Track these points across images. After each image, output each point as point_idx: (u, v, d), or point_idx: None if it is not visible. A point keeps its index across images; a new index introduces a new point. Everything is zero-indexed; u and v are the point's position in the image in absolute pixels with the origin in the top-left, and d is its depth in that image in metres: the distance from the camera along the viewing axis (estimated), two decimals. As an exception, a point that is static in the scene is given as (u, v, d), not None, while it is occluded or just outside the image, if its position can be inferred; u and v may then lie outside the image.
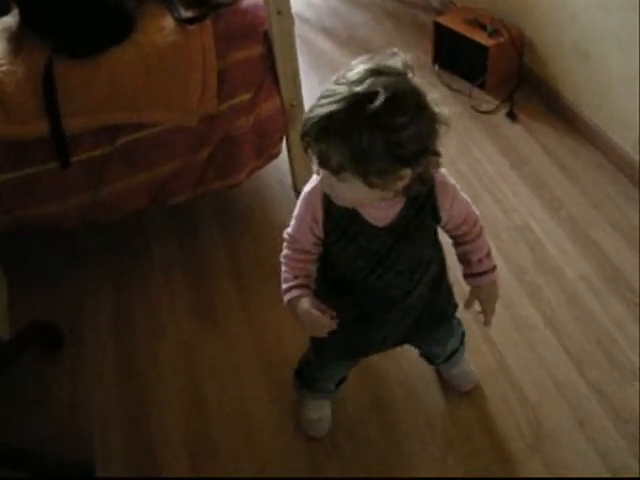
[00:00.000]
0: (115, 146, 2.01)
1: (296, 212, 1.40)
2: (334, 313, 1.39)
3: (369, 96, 1.07)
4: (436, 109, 1.16)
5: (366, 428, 1.90)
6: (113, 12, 1.99)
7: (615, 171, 2.60)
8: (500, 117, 2.93)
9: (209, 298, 2.28)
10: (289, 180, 2.59)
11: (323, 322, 1.38)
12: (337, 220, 1.32)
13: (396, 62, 1.15)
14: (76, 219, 2.15)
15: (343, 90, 1.09)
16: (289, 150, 2.44)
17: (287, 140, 2.38)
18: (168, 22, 2.05)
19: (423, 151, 1.15)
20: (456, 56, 3.12)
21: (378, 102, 1.06)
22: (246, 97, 2.13)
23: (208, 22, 2.03)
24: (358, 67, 1.13)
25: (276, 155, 2.35)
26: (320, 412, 1.88)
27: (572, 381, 1.96)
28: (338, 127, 1.08)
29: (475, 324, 2.10)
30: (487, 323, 1.59)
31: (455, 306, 1.67)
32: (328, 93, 1.11)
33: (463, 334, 1.87)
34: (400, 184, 1.18)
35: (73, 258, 2.44)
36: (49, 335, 2.14)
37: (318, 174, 1.22)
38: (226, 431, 1.93)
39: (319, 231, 1.36)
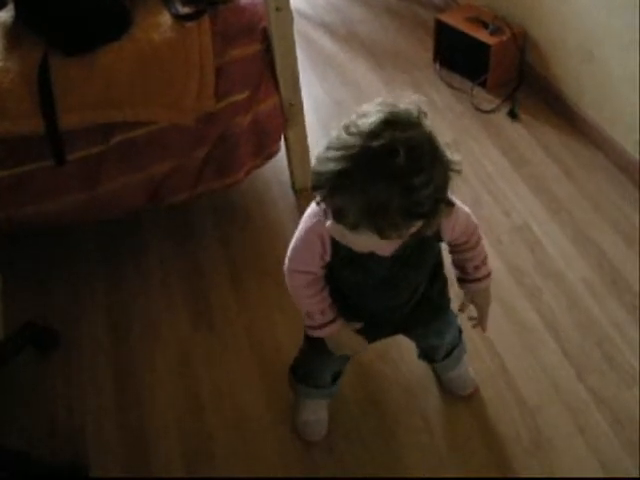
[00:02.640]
0: (111, 144, 1.98)
1: (299, 243, 1.36)
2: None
3: (387, 153, 1.01)
4: (449, 156, 1.11)
5: (363, 431, 1.89)
6: (109, 8, 1.97)
7: (617, 172, 2.58)
8: (501, 116, 2.91)
9: (205, 299, 2.26)
10: (288, 179, 2.56)
11: (362, 343, 1.54)
12: (344, 253, 1.30)
13: (410, 109, 1.08)
14: (72, 218, 2.13)
15: (357, 143, 1.03)
16: (288, 149, 2.42)
17: (286, 139, 2.35)
18: (165, 19, 2.02)
19: (438, 203, 1.11)
20: (457, 54, 3.09)
21: (398, 160, 1.01)
22: (244, 95, 2.10)
23: (206, 19, 2.00)
24: (371, 116, 1.05)
25: (274, 154, 2.33)
26: (317, 414, 1.87)
27: (571, 385, 1.95)
28: (356, 185, 1.03)
29: (474, 328, 2.08)
30: (484, 329, 1.62)
31: (448, 299, 1.66)
32: (340, 144, 1.05)
33: (460, 331, 1.85)
34: (412, 231, 1.15)
35: (69, 258, 2.41)
36: (44, 336, 2.12)
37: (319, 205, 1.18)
38: (222, 433, 1.91)
39: (328, 256, 1.34)
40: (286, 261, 1.42)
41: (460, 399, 1.93)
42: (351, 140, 1.04)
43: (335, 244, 1.29)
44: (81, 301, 2.28)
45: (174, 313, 2.22)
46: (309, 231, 1.33)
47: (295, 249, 1.39)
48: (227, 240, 2.44)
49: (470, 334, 2.04)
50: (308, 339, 1.68)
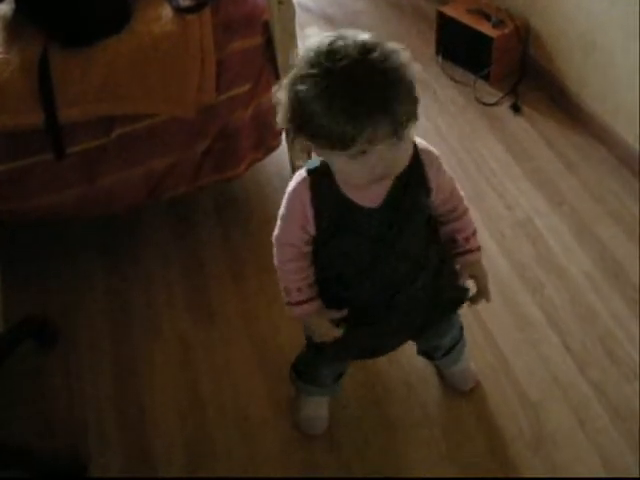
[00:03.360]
0: (111, 138, 1.98)
1: (283, 212, 1.38)
2: (342, 321, 1.46)
3: (363, 51, 1.09)
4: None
5: (364, 426, 1.88)
6: (109, 1, 1.95)
7: (619, 165, 2.56)
8: (504, 109, 2.89)
9: (206, 293, 2.26)
10: (288, 172, 2.55)
11: (334, 332, 1.46)
12: (329, 214, 1.29)
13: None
14: (71, 211, 2.12)
15: (327, 59, 1.07)
16: (289, 142, 2.41)
17: (287, 132, 2.34)
18: (166, 11, 2.01)
19: (413, 105, 1.15)
20: (460, 47, 3.07)
21: (374, 55, 1.08)
22: (245, 88, 2.09)
23: (207, 11, 1.99)
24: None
25: (275, 147, 2.32)
26: (317, 410, 1.86)
27: (573, 379, 1.94)
28: (342, 86, 1.06)
29: (475, 322, 2.08)
30: (488, 299, 1.60)
31: (466, 290, 1.63)
32: (311, 64, 1.08)
33: (462, 328, 1.84)
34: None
35: (69, 252, 2.41)
36: (43, 330, 2.11)
37: (311, 170, 1.20)
38: (223, 428, 1.91)
39: (312, 228, 1.33)
40: (275, 230, 1.42)
41: (461, 393, 1.93)
42: (320, 58, 1.08)
43: (318, 209, 1.29)
44: (81, 296, 2.27)
45: (174, 308, 2.22)
46: (291, 198, 1.34)
47: (280, 217, 1.39)
48: (228, 234, 2.43)
49: (471, 328, 2.04)
50: (317, 350, 1.66)
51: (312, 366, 1.77)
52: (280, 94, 1.15)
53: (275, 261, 1.45)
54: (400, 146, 1.14)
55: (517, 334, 2.06)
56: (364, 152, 1.10)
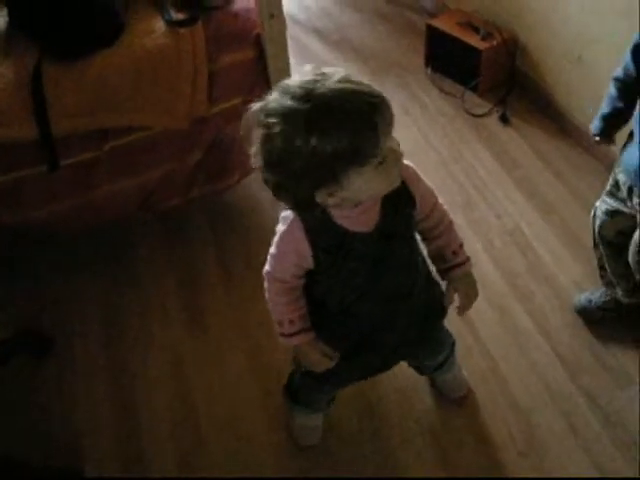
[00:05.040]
0: (104, 150, 1.99)
1: (274, 251, 1.37)
2: (336, 354, 1.49)
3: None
4: None
5: (358, 435, 1.90)
6: (102, 14, 1.97)
7: (607, 175, 2.58)
8: (493, 120, 2.93)
9: (199, 303, 2.27)
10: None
11: (325, 364, 1.49)
12: (326, 247, 1.29)
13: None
14: (65, 223, 2.13)
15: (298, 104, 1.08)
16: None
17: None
18: (158, 24, 2.03)
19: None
20: (449, 59, 3.11)
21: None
22: (237, 101, 2.11)
23: (199, 25, 2.02)
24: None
25: (268, 159, 2.33)
26: (311, 421, 1.87)
27: (564, 387, 1.96)
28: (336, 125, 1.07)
29: (466, 329, 2.10)
30: (464, 312, 1.58)
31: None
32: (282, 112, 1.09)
33: (453, 343, 1.85)
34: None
35: (62, 264, 2.41)
36: (37, 342, 2.12)
37: (301, 207, 1.21)
38: (216, 438, 1.91)
39: (308, 264, 1.33)
40: (265, 265, 1.42)
41: (453, 402, 1.95)
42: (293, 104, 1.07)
43: (314, 244, 1.29)
44: (74, 307, 2.28)
45: (168, 317, 2.23)
46: (283, 240, 1.33)
47: (272, 256, 1.39)
48: (221, 244, 2.45)
49: (463, 335, 2.06)
50: (298, 367, 1.68)
51: (304, 391, 1.78)
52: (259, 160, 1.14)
53: (266, 295, 1.45)
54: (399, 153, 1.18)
55: (508, 341, 2.08)
56: (383, 160, 1.13)
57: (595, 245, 1.99)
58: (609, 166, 2.56)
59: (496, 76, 3.03)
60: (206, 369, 2.08)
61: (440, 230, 1.49)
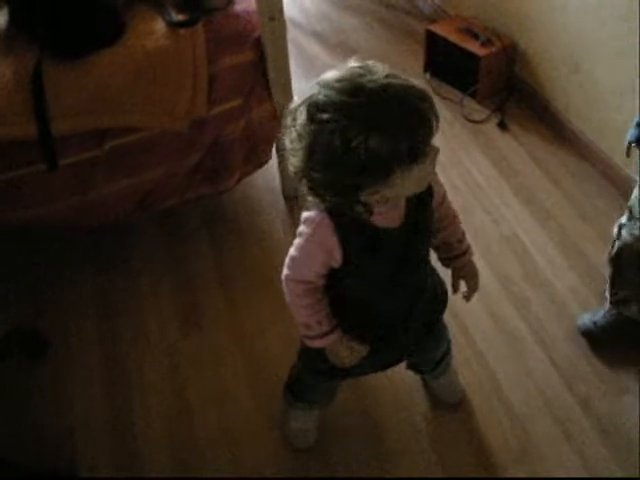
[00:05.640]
0: (103, 150, 1.99)
1: (298, 253, 1.34)
2: (365, 347, 1.48)
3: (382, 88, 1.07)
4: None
5: (354, 439, 1.89)
6: (103, 14, 1.97)
7: (604, 182, 2.60)
8: (491, 127, 2.93)
9: (195, 305, 2.26)
10: (279, 187, 2.57)
11: (356, 359, 1.48)
12: (356, 244, 1.28)
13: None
14: (63, 222, 2.12)
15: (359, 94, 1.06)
16: (279, 156, 2.43)
17: (277, 146, 2.36)
18: (159, 25, 2.03)
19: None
20: (448, 64, 3.12)
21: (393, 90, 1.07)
22: (237, 102, 2.11)
23: (200, 26, 2.02)
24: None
25: (266, 161, 2.33)
26: (307, 423, 1.87)
27: (559, 394, 1.96)
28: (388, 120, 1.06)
29: (462, 336, 2.10)
30: (471, 296, 1.61)
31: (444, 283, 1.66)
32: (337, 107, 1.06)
33: (450, 341, 1.86)
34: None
35: (58, 264, 2.41)
36: (32, 342, 2.11)
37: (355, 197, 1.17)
38: (211, 440, 1.91)
39: (336, 262, 1.31)
40: (285, 270, 1.39)
41: (449, 407, 1.94)
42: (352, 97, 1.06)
43: (343, 242, 1.26)
44: (70, 307, 2.27)
45: (163, 318, 2.22)
46: (310, 241, 1.30)
47: (295, 259, 1.35)
48: (217, 246, 2.44)
49: (459, 342, 2.06)
50: (305, 361, 1.67)
51: (309, 387, 1.78)
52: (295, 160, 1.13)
53: (288, 299, 1.41)
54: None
55: (503, 348, 2.08)
56: (425, 158, 1.12)
57: (613, 263, 1.92)
58: (605, 173, 2.59)
59: (495, 82, 3.03)
60: (201, 370, 2.07)
61: (449, 220, 1.51)
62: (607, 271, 1.97)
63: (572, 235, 2.41)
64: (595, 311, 2.09)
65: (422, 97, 1.08)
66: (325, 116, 1.05)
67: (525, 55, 2.94)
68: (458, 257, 1.55)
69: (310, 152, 1.09)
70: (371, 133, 1.03)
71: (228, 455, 1.87)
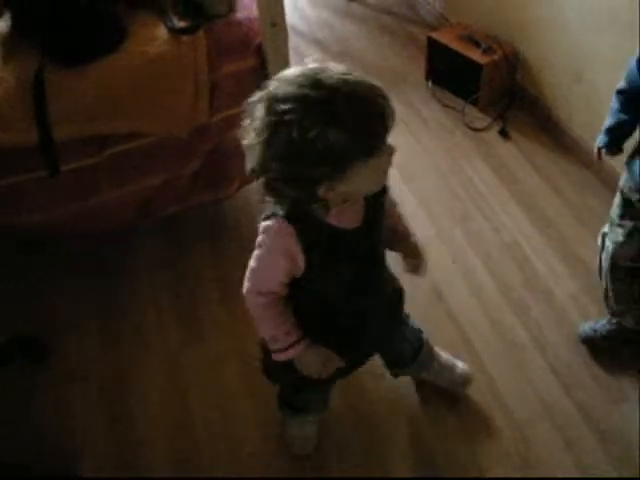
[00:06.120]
0: (104, 156, 1.99)
1: (259, 264, 1.33)
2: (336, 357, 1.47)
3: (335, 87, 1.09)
4: None
5: (352, 445, 1.89)
6: (105, 21, 1.98)
7: (605, 191, 2.60)
8: (492, 134, 2.94)
9: (195, 313, 2.26)
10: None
11: (331, 368, 1.47)
12: (319, 247, 1.28)
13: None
14: (64, 228, 2.13)
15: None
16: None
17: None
18: (161, 32, 2.04)
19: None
20: (449, 72, 3.12)
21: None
22: (238, 110, 2.09)
23: (201, 33, 2.02)
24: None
25: (267, 168, 2.33)
26: (306, 430, 1.87)
27: (559, 402, 1.96)
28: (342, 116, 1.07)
29: (462, 342, 2.10)
30: (424, 272, 1.61)
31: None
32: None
33: (420, 330, 1.84)
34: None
35: (59, 269, 2.41)
36: (32, 347, 2.11)
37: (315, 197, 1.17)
38: (211, 446, 1.91)
39: (299, 269, 1.30)
40: (245, 283, 1.37)
41: (447, 414, 1.94)
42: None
43: (306, 247, 1.26)
44: (71, 312, 2.27)
45: (164, 326, 2.23)
46: (272, 250, 1.29)
47: (256, 270, 1.34)
48: (218, 253, 2.44)
49: (459, 350, 2.06)
50: (293, 372, 1.67)
51: (298, 395, 1.78)
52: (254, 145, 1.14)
53: (253, 313, 1.40)
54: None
55: (503, 355, 2.08)
56: (380, 153, 1.14)
57: (605, 274, 1.91)
58: (606, 182, 2.58)
59: (497, 90, 3.04)
60: (201, 377, 2.07)
61: (393, 208, 1.53)
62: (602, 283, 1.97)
63: (572, 243, 2.41)
64: (596, 319, 2.09)
65: (379, 94, 1.11)
66: (284, 107, 1.07)
67: (527, 63, 2.95)
68: (406, 238, 1.57)
69: (269, 144, 1.10)
70: (329, 125, 1.06)
71: (228, 465, 1.87)
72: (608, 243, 1.85)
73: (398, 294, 1.64)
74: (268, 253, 1.30)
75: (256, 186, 1.21)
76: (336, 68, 1.12)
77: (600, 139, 1.82)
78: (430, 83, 3.22)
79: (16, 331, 2.12)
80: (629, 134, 1.78)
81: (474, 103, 3.07)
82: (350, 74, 1.11)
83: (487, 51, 2.95)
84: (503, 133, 2.93)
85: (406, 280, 1.63)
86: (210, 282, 2.35)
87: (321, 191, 1.14)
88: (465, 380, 1.97)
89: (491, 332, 2.14)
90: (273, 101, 1.09)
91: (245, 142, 1.16)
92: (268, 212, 1.27)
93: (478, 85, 2.99)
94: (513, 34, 2.97)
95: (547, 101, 2.89)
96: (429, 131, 2.96)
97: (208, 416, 1.97)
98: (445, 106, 3.11)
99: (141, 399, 2.03)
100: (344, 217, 1.28)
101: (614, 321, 2.03)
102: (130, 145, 2.03)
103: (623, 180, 1.76)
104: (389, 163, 1.19)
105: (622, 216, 1.79)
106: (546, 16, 2.70)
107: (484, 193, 2.65)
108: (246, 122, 1.17)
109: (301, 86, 1.08)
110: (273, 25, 2.02)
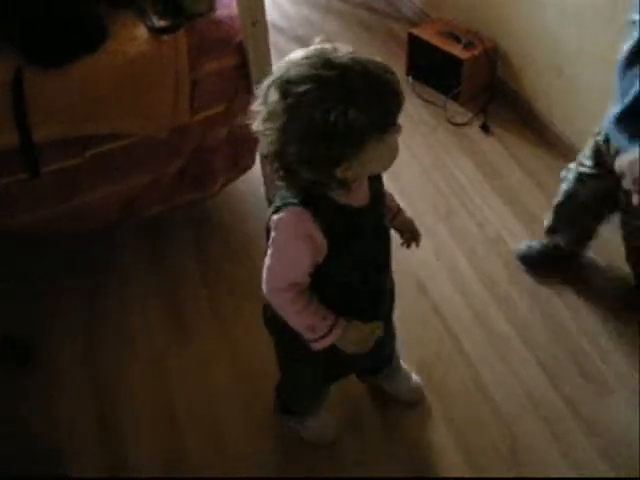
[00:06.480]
0: (86, 157, 1.97)
1: (280, 258, 1.30)
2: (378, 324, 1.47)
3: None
4: None
5: (343, 453, 1.89)
6: (85, 21, 1.96)
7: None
8: (474, 129, 2.94)
9: (182, 313, 2.25)
10: (263, 191, 2.56)
11: (373, 338, 1.45)
12: (337, 228, 1.25)
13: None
14: (47, 229, 2.11)
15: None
16: (262, 161, 2.41)
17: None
18: (141, 31, 2.01)
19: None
20: (430, 68, 3.12)
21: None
22: (220, 108, 2.10)
23: (182, 32, 2.00)
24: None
25: (250, 166, 2.33)
26: (323, 421, 1.87)
27: (546, 395, 1.97)
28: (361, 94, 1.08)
29: (448, 337, 2.11)
30: (419, 241, 1.65)
31: None
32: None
33: (395, 336, 1.84)
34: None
35: (43, 273, 2.38)
36: (17, 350, 2.09)
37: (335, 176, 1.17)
38: (199, 450, 1.90)
39: (322, 253, 1.28)
40: (266, 285, 1.34)
41: (437, 410, 1.95)
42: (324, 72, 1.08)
43: (325, 230, 1.23)
44: (57, 314, 2.25)
45: (151, 328, 2.21)
46: (292, 240, 1.26)
47: (275, 267, 1.31)
48: (204, 254, 2.43)
49: (444, 344, 2.06)
50: (297, 374, 1.65)
51: (309, 397, 1.77)
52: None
53: (283, 310, 1.36)
54: None
55: (490, 350, 2.09)
56: (394, 129, 1.15)
57: (558, 206, 2.14)
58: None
59: (477, 85, 3.05)
60: (188, 378, 2.06)
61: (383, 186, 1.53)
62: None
63: (556, 236, 2.42)
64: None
65: (389, 71, 1.13)
66: (301, 89, 1.07)
67: (507, 58, 2.96)
68: (397, 214, 1.59)
69: (286, 127, 1.09)
70: (348, 104, 1.06)
71: (217, 468, 1.86)
72: (571, 177, 2.05)
73: (392, 290, 1.64)
74: (288, 245, 1.27)
75: (268, 172, 1.20)
76: (343, 48, 1.12)
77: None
78: (411, 79, 3.22)
79: (1, 333, 2.09)
80: None
81: (455, 98, 3.07)
82: (358, 54, 1.12)
83: (468, 46, 2.95)
84: (485, 128, 2.93)
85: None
86: (196, 284, 2.34)
87: (339, 171, 1.15)
88: (420, 392, 1.98)
89: (477, 328, 2.15)
90: (287, 84, 1.08)
91: (258, 127, 1.15)
92: (278, 203, 1.24)
93: (459, 80, 3.00)
94: (494, 29, 2.97)
95: (528, 96, 2.90)
96: (411, 127, 2.95)
97: (196, 418, 1.96)
98: (426, 102, 3.11)
99: (129, 403, 2.01)
100: (355, 196, 1.27)
101: (548, 240, 2.25)
102: (111, 146, 2.01)
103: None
104: (397, 139, 1.20)
105: (589, 158, 1.94)
106: (527, 11, 2.70)
107: (467, 188, 2.66)
108: (257, 108, 1.15)
109: (313, 67, 1.08)
110: (254, 23, 2.01)
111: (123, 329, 2.21)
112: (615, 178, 1.73)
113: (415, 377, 1.98)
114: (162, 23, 2.02)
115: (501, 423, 1.91)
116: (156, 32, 2.00)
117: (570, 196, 2.07)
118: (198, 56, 2.03)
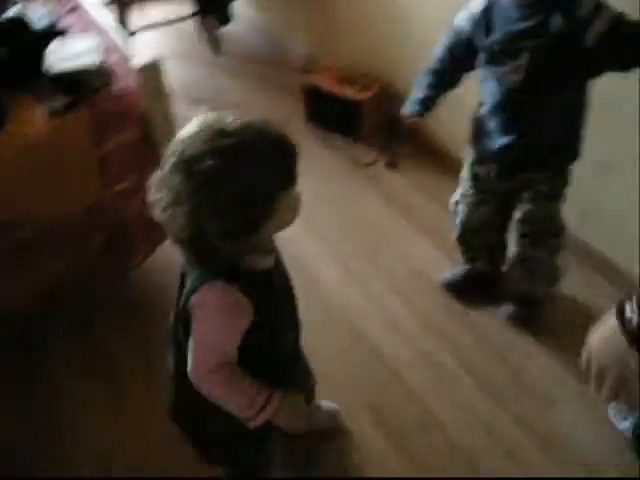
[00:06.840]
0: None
1: (212, 335, 1.25)
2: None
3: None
4: None
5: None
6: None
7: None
8: (380, 168, 2.98)
9: (117, 388, 2.16)
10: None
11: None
12: (256, 292, 1.23)
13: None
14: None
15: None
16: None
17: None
18: (39, 112, 1.97)
19: None
20: (329, 113, 3.18)
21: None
22: (130, 181, 2.07)
23: (83, 111, 1.97)
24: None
25: (166, 236, 2.29)
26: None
27: (496, 418, 2.00)
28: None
29: (393, 378, 2.12)
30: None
31: None
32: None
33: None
34: None
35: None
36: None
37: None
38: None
39: (249, 320, 1.24)
40: (196, 370, 1.28)
41: (397, 448, 1.94)
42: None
43: (249, 294, 1.21)
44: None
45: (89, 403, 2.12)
46: (221, 313, 1.23)
47: (203, 348, 1.26)
48: (128, 329, 2.33)
49: (392, 387, 2.07)
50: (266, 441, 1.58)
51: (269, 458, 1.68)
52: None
53: (216, 394, 1.29)
54: None
55: (434, 382, 2.11)
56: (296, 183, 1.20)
57: (460, 239, 2.23)
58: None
59: (378, 124, 3.10)
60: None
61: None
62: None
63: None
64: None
65: (279, 129, 1.16)
66: (204, 165, 1.07)
67: (404, 94, 3.03)
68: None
69: (199, 207, 1.09)
70: (255, 167, 1.09)
71: None
72: (460, 209, 2.16)
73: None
74: (217, 318, 1.23)
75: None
76: (229, 114, 1.14)
77: (412, 109, 2.15)
78: (311, 125, 3.26)
79: None
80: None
81: (358, 139, 3.13)
82: (248, 118, 1.15)
83: (364, 88, 3.02)
84: (390, 164, 2.97)
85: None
86: (124, 357, 2.24)
87: (258, 234, 1.16)
88: (337, 413, 1.97)
89: (419, 363, 2.17)
90: (188, 163, 1.08)
91: (162, 216, 1.13)
92: (196, 283, 1.22)
93: (359, 122, 3.07)
94: (385, 68, 3.06)
95: (427, 128, 2.97)
96: (317, 173, 2.95)
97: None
98: (330, 146, 3.15)
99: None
100: (263, 258, 1.29)
101: (469, 266, 2.33)
102: (24, 231, 1.94)
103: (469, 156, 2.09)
104: (299, 201, 1.23)
105: (471, 187, 2.08)
106: (413, 52, 2.80)
107: (384, 225, 2.70)
108: (156, 196, 1.14)
109: (208, 140, 1.08)
110: (154, 94, 2.01)
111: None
112: (501, 193, 1.98)
113: (325, 402, 1.93)
114: (59, 102, 1.98)
115: (459, 454, 1.92)
116: (55, 112, 1.96)
117: (465, 225, 2.17)
118: (101, 132, 2.00)
